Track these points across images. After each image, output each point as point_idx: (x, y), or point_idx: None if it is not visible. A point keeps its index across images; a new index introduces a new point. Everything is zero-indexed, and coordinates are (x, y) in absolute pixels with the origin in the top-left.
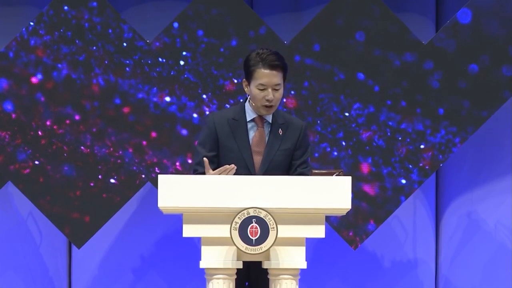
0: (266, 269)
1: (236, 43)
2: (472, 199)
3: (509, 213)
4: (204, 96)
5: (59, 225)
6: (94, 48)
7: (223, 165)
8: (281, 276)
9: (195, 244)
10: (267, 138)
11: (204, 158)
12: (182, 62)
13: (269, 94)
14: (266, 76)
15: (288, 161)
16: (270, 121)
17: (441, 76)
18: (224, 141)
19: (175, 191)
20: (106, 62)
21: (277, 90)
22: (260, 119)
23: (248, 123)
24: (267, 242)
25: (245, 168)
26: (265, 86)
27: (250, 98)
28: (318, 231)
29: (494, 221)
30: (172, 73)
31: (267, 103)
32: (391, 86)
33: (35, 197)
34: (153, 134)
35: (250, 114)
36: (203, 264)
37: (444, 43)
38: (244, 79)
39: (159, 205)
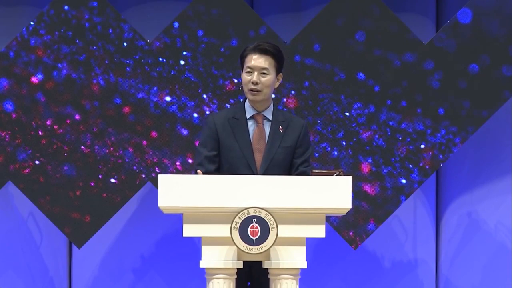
0: (267, 268)
1: (236, 43)
2: (472, 199)
3: (509, 213)
4: (204, 96)
5: (59, 225)
6: (95, 48)
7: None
8: (281, 276)
9: (195, 244)
10: (267, 136)
11: (198, 170)
12: (182, 62)
13: (254, 77)
14: (253, 59)
15: (289, 159)
16: (270, 119)
17: (441, 76)
18: (225, 140)
19: (175, 191)
20: (106, 62)
21: (264, 74)
22: (259, 116)
23: (248, 121)
24: (267, 242)
25: (246, 166)
26: (252, 69)
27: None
28: (319, 231)
29: (494, 221)
30: (172, 73)
31: (252, 86)
32: (391, 86)
33: (35, 197)
34: (153, 134)
35: (249, 112)
36: (203, 264)
37: (444, 43)
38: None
39: (159, 205)
